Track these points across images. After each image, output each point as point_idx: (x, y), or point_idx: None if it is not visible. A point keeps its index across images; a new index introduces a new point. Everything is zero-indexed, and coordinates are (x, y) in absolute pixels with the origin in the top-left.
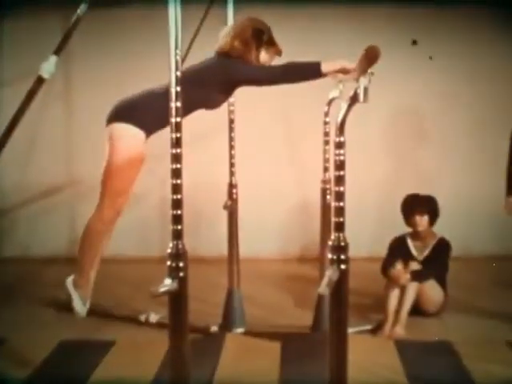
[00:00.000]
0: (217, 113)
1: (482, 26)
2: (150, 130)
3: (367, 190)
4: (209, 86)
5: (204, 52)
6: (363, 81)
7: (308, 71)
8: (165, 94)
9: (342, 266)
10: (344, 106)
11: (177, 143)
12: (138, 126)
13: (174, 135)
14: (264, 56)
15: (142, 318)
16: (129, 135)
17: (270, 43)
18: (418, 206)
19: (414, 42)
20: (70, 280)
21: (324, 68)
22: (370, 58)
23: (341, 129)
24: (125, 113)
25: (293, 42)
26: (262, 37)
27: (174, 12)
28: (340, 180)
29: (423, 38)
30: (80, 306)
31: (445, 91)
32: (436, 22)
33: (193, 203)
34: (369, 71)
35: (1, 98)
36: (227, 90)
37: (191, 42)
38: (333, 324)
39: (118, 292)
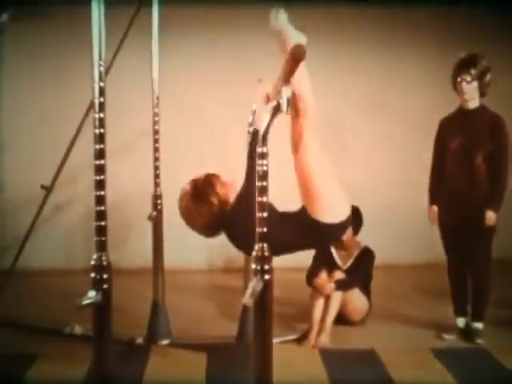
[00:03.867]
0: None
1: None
2: None
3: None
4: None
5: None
6: (286, 91)
7: None
8: None
9: (266, 277)
10: (267, 117)
11: (100, 154)
12: None
13: (97, 146)
14: None
15: (67, 330)
16: None
17: None
18: None
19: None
20: None
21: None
22: (297, 57)
23: (264, 139)
24: None
25: None
26: None
27: (97, 24)
28: (263, 190)
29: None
30: None
31: (367, 102)
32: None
33: (119, 214)
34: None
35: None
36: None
37: (117, 51)
38: (257, 334)
39: (43, 304)
